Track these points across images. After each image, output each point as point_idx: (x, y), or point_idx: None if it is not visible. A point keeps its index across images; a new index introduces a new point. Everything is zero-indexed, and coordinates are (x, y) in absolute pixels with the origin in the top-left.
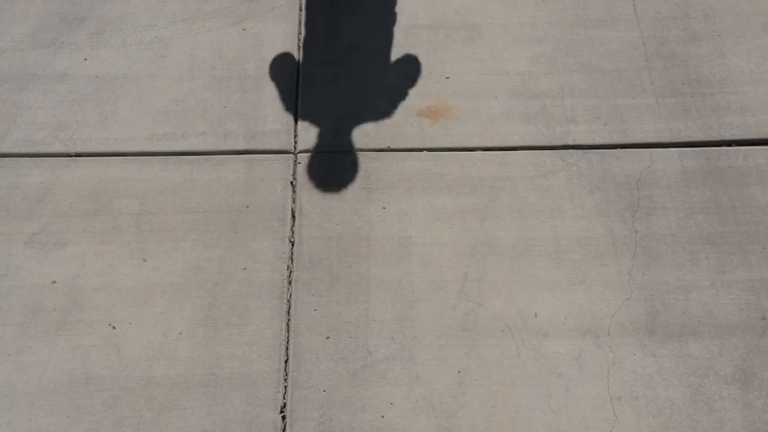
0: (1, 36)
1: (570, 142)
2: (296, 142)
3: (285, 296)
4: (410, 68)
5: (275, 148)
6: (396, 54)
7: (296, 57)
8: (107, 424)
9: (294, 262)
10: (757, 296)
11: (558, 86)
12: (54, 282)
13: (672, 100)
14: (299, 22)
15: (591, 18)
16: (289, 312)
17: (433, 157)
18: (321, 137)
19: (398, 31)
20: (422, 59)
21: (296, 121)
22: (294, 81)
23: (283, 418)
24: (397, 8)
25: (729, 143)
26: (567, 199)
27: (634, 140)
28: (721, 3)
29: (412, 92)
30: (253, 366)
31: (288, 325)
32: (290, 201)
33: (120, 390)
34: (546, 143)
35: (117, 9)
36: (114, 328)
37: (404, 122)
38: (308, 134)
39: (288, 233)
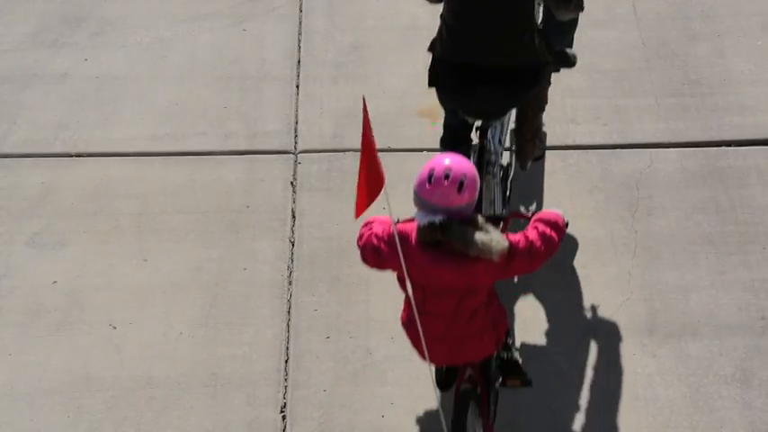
0: (2, 36)
1: (570, 142)
2: (296, 142)
3: (285, 296)
4: (410, 69)
5: (275, 148)
6: (396, 54)
7: (296, 57)
8: (108, 424)
9: (294, 262)
10: (757, 296)
11: (558, 86)
12: (55, 282)
13: (672, 100)
14: (299, 23)
15: (591, 18)
16: (289, 312)
17: None
18: (321, 137)
19: (399, 32)
20: (422, 60)
21: (296, 121)
22: (294, 81)
23: (283, 417)
24: (398, 9)
25: (729, 143)
26: (567, 199)
27: (634, 141)
28: (721, 3)
29: (412, 92)
30: (253, 366)
31: (288, 325)
32: (290, 201)
33: (120, 389)
34: (546, 143)
35: (117, 10)
36: (115, 328)
37: (404, 122)
38: (309, 134)
39: (288, 233)
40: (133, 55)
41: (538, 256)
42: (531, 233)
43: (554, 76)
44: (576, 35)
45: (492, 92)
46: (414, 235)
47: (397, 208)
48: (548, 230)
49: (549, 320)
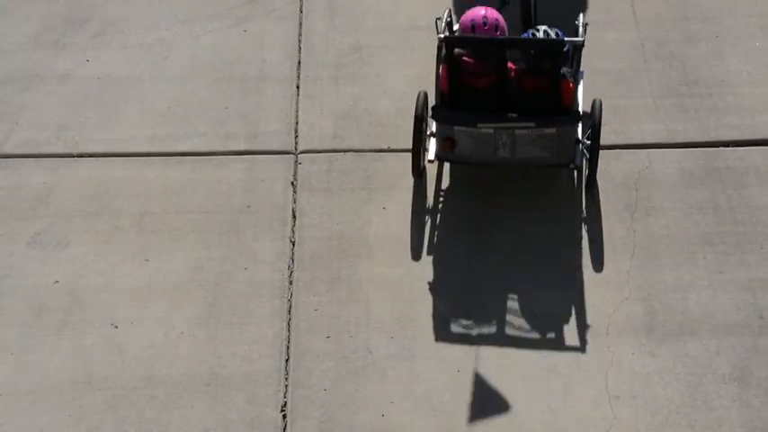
0: (4, 38)
1: None
2: (296, 143)
3: (286, 296)
4: (410, 69)
5: (276, 148)
6: (396, 55)
7: (296, 58)
8: (109, 422)
9: (295, 262)
10: (755, 296)
11: None
12: (56, 282)
13: (670, 101)
14: (300, 24)
15: (590, 19)
16: (289, 312)
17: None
18: (321, 137)
19: (398, 33)
20: (421, 61)
21: (296, 121)
22: (295, 82)
23: (284, 416)
24: (397, 10)
25: (727, 144)
26: (566, 199)
27: (632, 141)
28: (719, 4)
29: (412, 92)
30: (254, 365)
31: (289, 324)
32: (290, 201)
33: (121, 389)
34: None
35: (119, 11)
36: (116, 327)
37: (404, 123)
38: (309, 135)
39: (288, 233)
40: (134, 56)
41: None
42: None
43: None
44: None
45: None
46: None
47: (397, 207)
48: None
49: (549, 320)
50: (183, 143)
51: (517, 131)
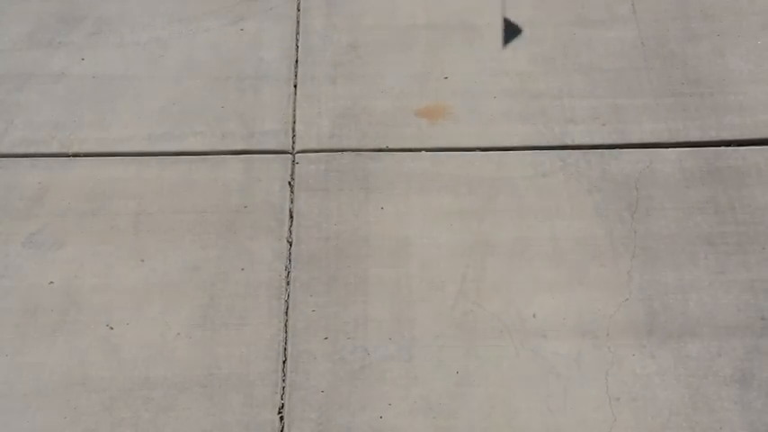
0: None
1: (569, 142)
2: (294, 142)
3: (283, 297)
4: (408, 68)
5: (273, 148)
6: (394, 54)
7: (294, 56)
8: (105, 425)
9: (292, 262)
10: (756, 297)
11: (557, 86)
12: (52, 282)
13: (671, 100)
14: (297, 23)
15: (590, 18)
16: (287, 313)
17: (432, 157)
18: (319, 137)
19: (397, 31)
20: (420, 59)
21: (294, 121)
22: (292, 81)
23: (281, 418)
24: (396, 8)
25: (728, 143)
26: (566, 199)
27: (633, 141)
28: (720, 2)
29: (410, 92)
30: (251, 367)
31: (286, 325)
32: (288, 201)
33: (117, 390)
34: (544, 143)
35: (114, 9)
36: (112, 328)
37: (402, 122)
38: (307, 134)
39: (286, 233)
40: (130, 54)
41: None
42: None
43: (552, 76)
44: (574, 35)
45: None
46: None
47: (395, 208)
48: None
49: (549, 321)
50: (179, 142)
51: None
